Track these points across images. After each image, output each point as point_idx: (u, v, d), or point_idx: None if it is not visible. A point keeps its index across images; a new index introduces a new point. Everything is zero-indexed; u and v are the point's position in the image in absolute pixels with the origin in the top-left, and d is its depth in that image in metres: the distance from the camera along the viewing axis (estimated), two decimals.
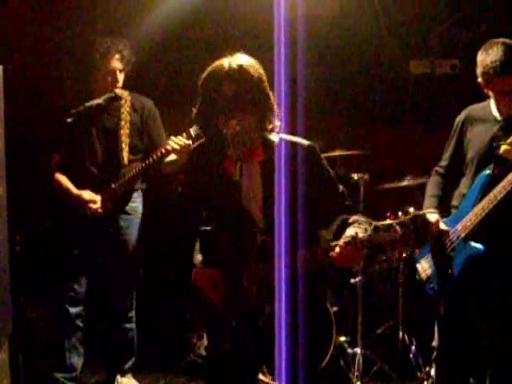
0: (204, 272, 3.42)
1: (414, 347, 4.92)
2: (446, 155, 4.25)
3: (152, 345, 5.39)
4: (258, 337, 3.31)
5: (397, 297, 5.04)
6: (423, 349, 4.76)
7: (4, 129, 3.59)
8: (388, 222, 3.04)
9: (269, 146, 3.27)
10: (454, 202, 4.17)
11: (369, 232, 3.08)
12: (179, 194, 3.70)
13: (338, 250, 3.10)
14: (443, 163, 4.26)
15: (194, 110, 3.33)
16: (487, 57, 3.89)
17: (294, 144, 3.30)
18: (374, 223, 3.08)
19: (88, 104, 4.50)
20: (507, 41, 3.91)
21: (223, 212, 3.39)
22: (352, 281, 5.10)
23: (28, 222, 4.91)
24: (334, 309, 5.00)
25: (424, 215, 3.03)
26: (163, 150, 4.39)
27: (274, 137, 3.30)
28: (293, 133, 3.42)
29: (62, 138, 4.67)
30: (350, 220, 3.22)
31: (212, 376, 3.56)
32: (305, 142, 3.33)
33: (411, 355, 4.89)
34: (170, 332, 5.46)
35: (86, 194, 4.57)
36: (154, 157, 4.45)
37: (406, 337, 4.98)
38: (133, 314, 4.85)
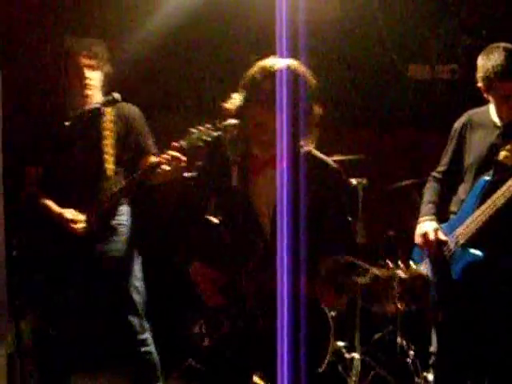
0: (202, 270, 3.43)
1: (411, 352, 4.91)
2: (445, 160, 4.23)
3: None
4: (253, 340, 3.31)
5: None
6: (421, 354, 4.76)
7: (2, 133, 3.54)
8: (387, 273, 3.00)
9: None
10: (453, 208, 4.15)
11: (367, 280, 3.02)
12: (194, 177, 3.68)
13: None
14: (441, 168, 4.24)
15: (234, 104, 3.36)
16: (488, 61, 3.88)
17: (322, 163, 3.33)
18: (372, 271, 3.02)
19: (87, 108, 4.33)
20: (508, 45, 3.91)
21: (230, 210, 3.42)
22: None
23: (24, 226, 4.84)
24: (332, 314, 4.99)
25: (424, 276, 3.01)
26: (152, 164, 4.20)
27: (302, 149, 3.31)
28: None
29: (40, 149, 4.41)
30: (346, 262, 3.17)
31: (207, 375, 3.60)
32: (334, 164, 3.35)
33: (409, 360, 4.89)
34: (167, 337, 5.44)
35: (68, 213, 4.28)
36: (141, 171, 4.22)
37: (404, 342, 4.97)
38: (146, 336, 4.56)
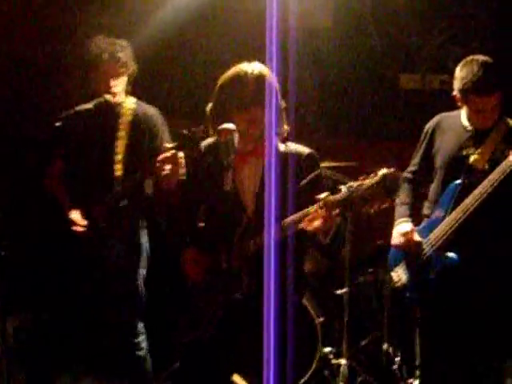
0: (190, 253, 3.79)
1: (398, 359, 4.94)
2: (415, 161, 4.33)
3: None
4: (238, 318, 3.67)
5: (382, 309, 5.06)
6: (407, 361, 4.80)
7: None
8: (360, 181, 3.36)
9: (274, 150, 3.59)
10: (425, 211, 4.22)
11: (343, 191, 3.38)
12: (183, 184, 3.95)
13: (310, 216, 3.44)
14: (411, 168, 4.33)
15: (209, 108, 3.66)
16: (466, 74, 3.94)
17: (297, 153, 3.66)
18: (348, 183, 3.40)
19: (77, 108, 4.37)
20: (488, 59, 3.97)
21: (217, 202, 3.73)
22: (338, 292, 5.10)
23: (14, 227, 4.83)
24: (320, 320, 5.01)
25: (394, 172, 3.32)
26: (156, 161, 4.14)
27: (280, 144, 3.66)
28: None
29: (60, 143, 4.48)
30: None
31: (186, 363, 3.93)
32: (307, 150, 3.69)
33: (395, 367, 4.91)
34: (155, 339, 5.43)
35: (73, 214, 4.34)
36: (146, 168, 4.20)
37: (391, 349, 4.99)
38: (141, 339, 4.54)
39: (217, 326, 3.69)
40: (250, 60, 3.64)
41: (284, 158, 3.58)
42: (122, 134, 4.35)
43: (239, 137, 3.68)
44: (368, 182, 3.32)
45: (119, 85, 4.36)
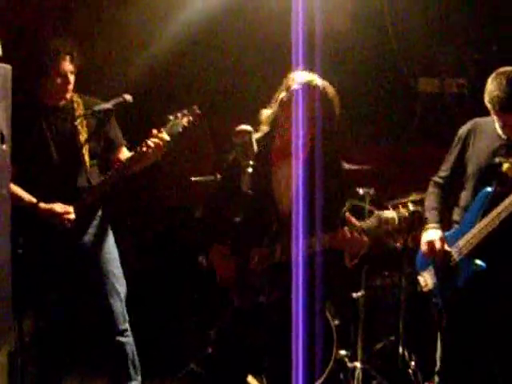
0: (217, 248, 3.74)
1: (413, 363, 4.92)
2: (447, 165, 4.26)
3: (151, 354, 5.36)
4: (260, 318, 3.62)
5: (398, 312, 5.04)
6: (422, 365, 4.77)
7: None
8: (389, 213, 3.39)
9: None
10: (456, 217, 4.19)
11: (371, 220, 3.41)
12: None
13: (341, 235, 3.44)
14: (443, 174, 4.27)
15: (267, 113, 3.72)
16: (494, 89, 3.90)
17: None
18: (376, 212, 3.43)
19: (96, 108, 4.35)
20: None
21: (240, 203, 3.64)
22: (354, 295, 5.10)
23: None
24: (336, 322, 5.00)
25: (420, 212, 3.38)
26: (139, 152, 4.24)
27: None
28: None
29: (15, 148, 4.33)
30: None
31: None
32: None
33: (410, 371, 4.89)
34: (169, 341, 5.45)
35: (58, 207, 4.24)
36: (128, 161, 4.27)
37: (406, 352, 4.97)
38: (126, 326, 4.51)
39: (241, 325, 3.68)
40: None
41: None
42: (81, 127, 4.39)
43: (278, 136, 3.68)
44: (396, 216, 3.39)
45: (72, 82, 4.41)
